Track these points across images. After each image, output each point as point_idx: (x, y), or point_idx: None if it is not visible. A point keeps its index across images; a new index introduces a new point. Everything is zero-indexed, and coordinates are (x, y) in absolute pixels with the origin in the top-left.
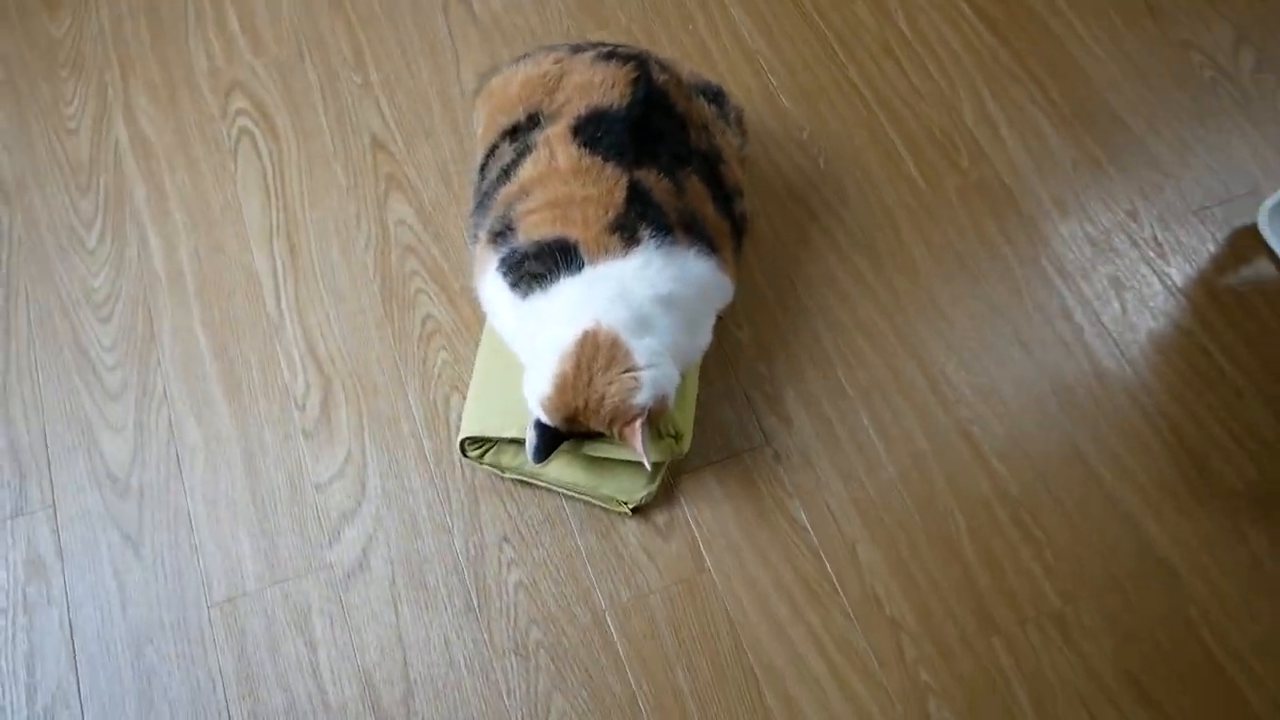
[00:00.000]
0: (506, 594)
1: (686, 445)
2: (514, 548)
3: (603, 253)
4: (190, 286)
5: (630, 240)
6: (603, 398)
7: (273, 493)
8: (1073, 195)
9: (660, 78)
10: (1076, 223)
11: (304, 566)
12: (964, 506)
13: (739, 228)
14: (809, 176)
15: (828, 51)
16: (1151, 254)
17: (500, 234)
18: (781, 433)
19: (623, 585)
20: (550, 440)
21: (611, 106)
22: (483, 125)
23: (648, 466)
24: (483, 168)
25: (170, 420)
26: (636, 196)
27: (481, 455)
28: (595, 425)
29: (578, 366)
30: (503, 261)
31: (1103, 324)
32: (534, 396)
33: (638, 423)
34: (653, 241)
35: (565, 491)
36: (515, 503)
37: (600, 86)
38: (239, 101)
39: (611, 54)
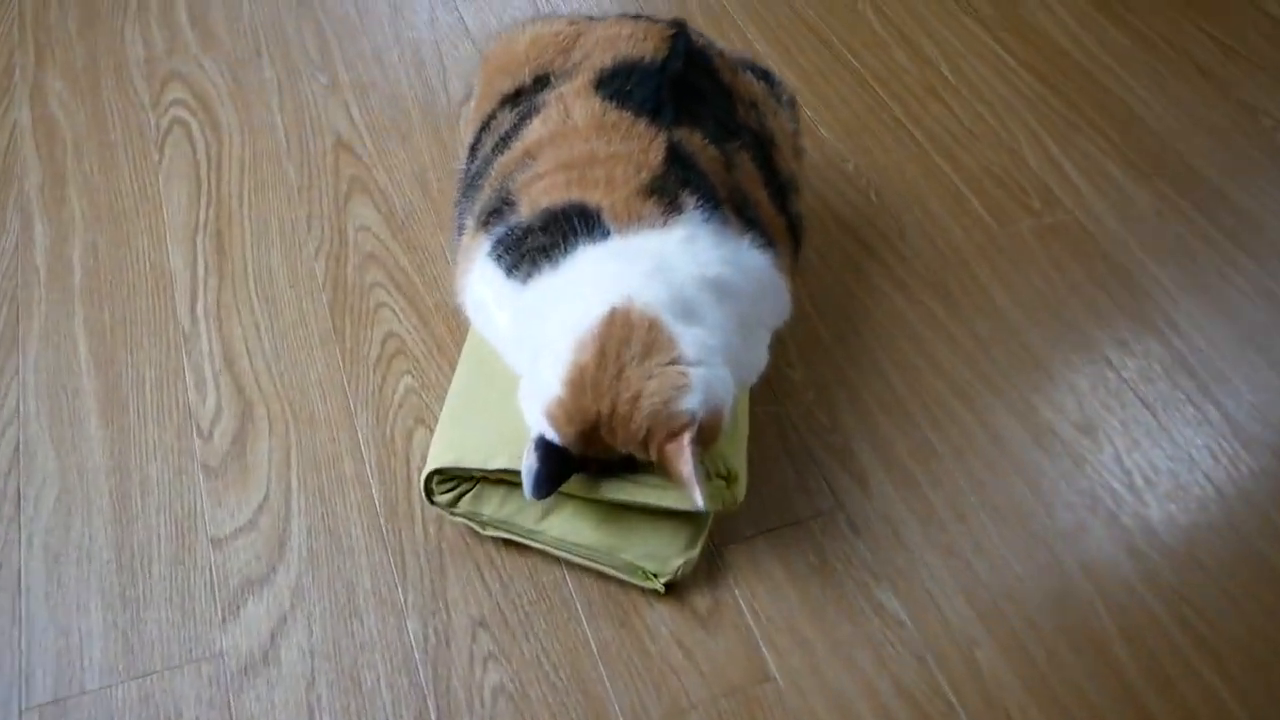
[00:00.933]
0: (481, 704)
1: (742, 491)
2: (493, 637)
3: (634, 220)
4: (77, 283)
5: (670, 207)
6: (638, 397)
7: (148, 547)
8: (1165, 245)
9: (700, 41)
10: (1179, 274)
11: (180, 655)
12: (1107, 596)
13: (795, 230)
14: (859, 209)
15: (866, 89)
16: (1275, 311)
17: (496, 212)
18: (856, 495)
19: (650, 696)
20: (557, 467)
21: (644, 59)
22: (477, 96)
23: (699, 504)
24: (474, 147)
25: (19, 444)
26: (677, 159)
27: (455, 500)
28: (623, 442)
29: (602, 355)
30: (498, 244)
31: (1233, 383)
32: (537, 404)
33: (686, 437)
34: (699, 212)
35: (570, 557)
36: (498, 572)
37: (629, 39)
38: (176, 92)
39: (639, 16)
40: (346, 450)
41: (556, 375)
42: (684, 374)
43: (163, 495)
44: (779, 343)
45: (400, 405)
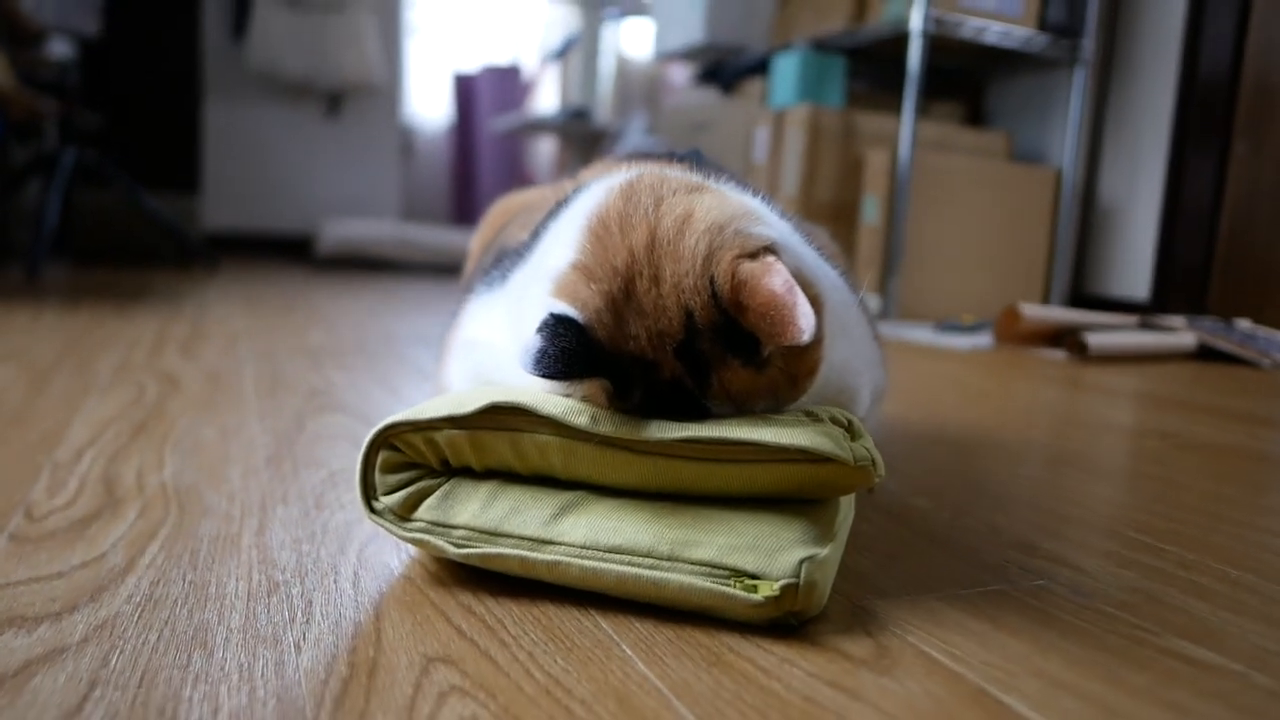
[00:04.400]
0: None
1: (876, 454)
2: (462, 673)
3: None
4: None
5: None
6: (689, 215)
7: None
8: None
9: None
10: None
11: None
12: None
13: None
14: (924, 477)
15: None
16: None
17: (490, 269)
18: (1065, 572)
19: None
20: (577, 343)
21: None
22: (472, 254)
23: (804, 333)
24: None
25: None
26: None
27: (411, 504)
28: (674, 287)
29: (631, 195)
30: (492, 277)
31: None
32: (547, 281)
33: (769, 255)
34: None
35: (605, 572)
36: (477, 618)
37: None
38: (140, 375)
39: None
40: (245, 529)
41: (571, 242)
42: (752, 212)
43: None
44: (892, 490)
45: (345, 505)
